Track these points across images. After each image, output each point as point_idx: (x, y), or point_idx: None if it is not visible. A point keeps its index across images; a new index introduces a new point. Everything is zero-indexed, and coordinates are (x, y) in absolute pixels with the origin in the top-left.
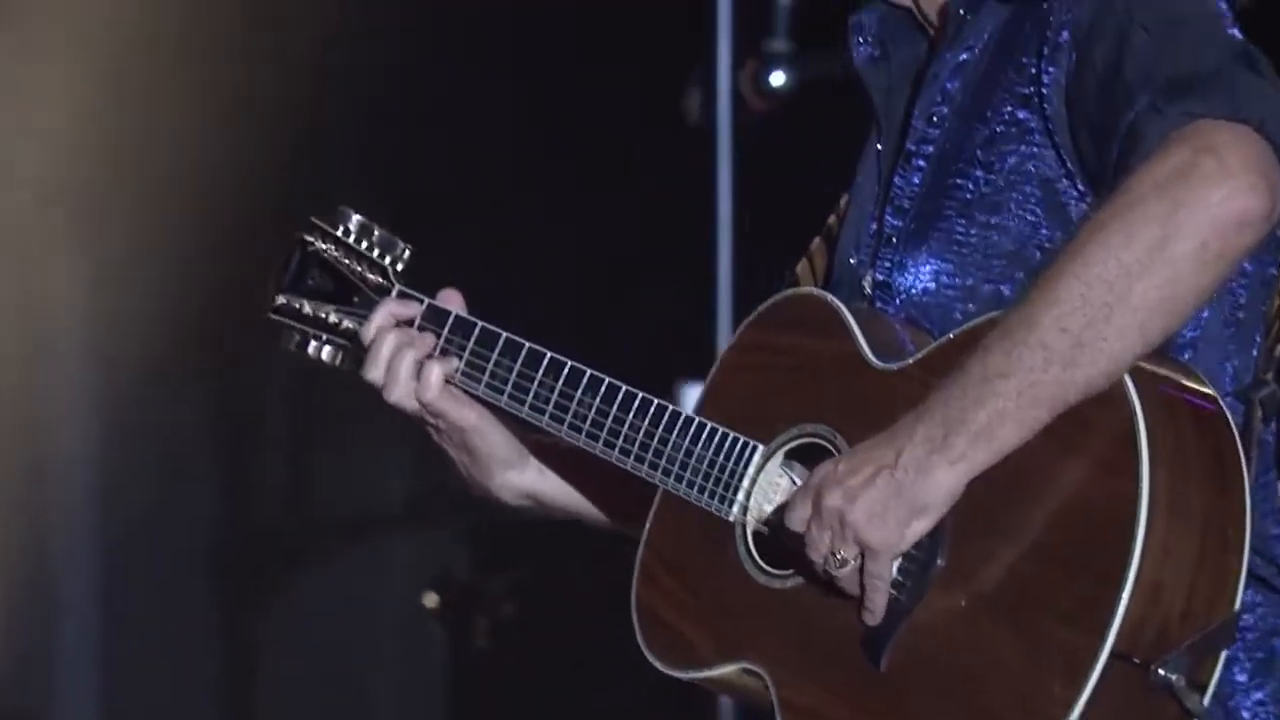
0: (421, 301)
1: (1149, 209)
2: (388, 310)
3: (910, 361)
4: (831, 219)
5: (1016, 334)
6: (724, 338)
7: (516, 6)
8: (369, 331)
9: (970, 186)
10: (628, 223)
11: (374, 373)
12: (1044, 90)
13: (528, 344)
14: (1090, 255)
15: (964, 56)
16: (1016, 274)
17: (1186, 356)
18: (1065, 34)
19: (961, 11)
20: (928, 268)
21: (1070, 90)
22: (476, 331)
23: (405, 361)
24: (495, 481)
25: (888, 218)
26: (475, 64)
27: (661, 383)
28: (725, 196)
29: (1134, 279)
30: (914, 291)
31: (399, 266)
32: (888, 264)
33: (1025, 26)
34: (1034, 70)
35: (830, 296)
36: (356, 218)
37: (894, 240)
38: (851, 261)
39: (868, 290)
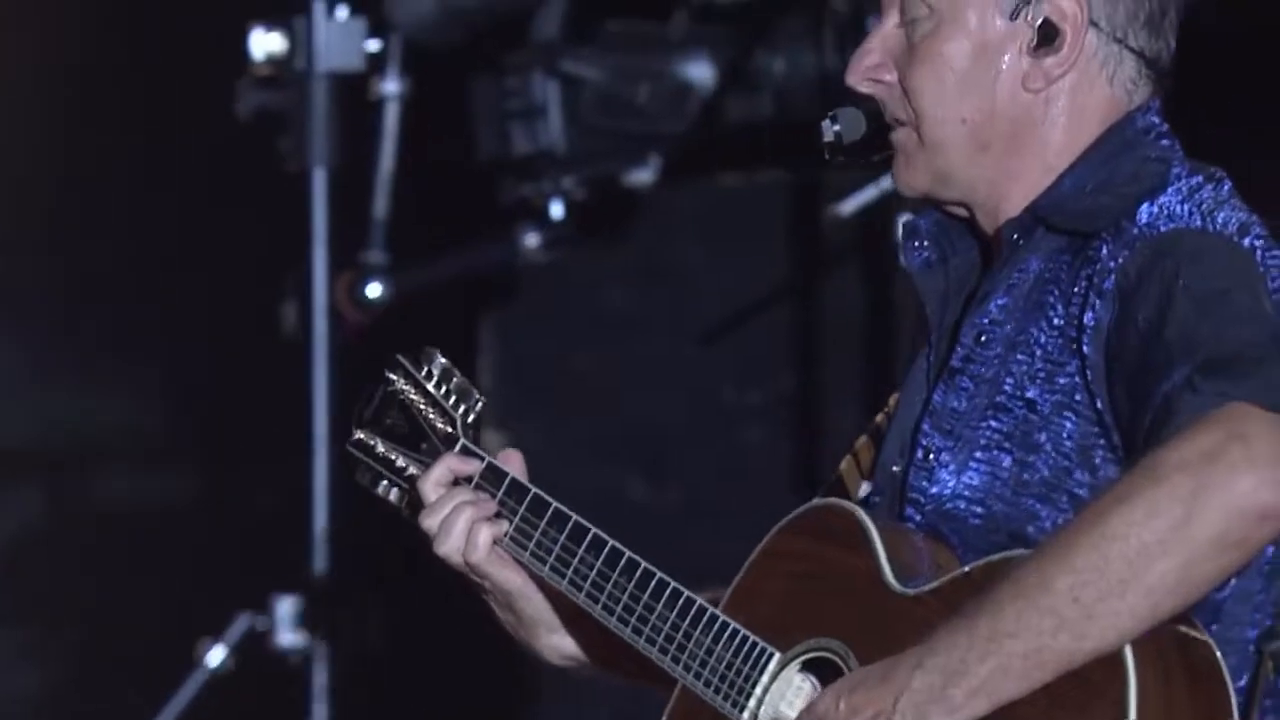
0: (482, 459)
1: (1174, 489)
2: (447, 465)
3: (926, 589)
4: (880, 417)
5: (1029, 594)
6: (319, 542)
7: None
8: (426, 485)
9: (1010, 420)
10: (230, 432)
11: (428, 522)
12: (1085, 335)
13: (574, 517)
14: (1112, 527)
15: (1015, 279)
16: (1043, 513)
17: (1213, 624)
18: (1111, 281)
19: (1015, 237)
20: (961, 486)
21: (1110, 342)
22: (529, 498)
23: (460, 520)
24: (539, 643)
25: (926, 430)
26: None
27: (257, 590)
28: (321, 408)
29: (1153, 559)
30: (944, 502)
31: (470, 418)
32: (924, 479)
33: (1075, 261)
34: (1076, 311)
35: (859, 512)
36: (441, 361)
37: (930, 456)
38: (894, 469)
39: (904, 498)
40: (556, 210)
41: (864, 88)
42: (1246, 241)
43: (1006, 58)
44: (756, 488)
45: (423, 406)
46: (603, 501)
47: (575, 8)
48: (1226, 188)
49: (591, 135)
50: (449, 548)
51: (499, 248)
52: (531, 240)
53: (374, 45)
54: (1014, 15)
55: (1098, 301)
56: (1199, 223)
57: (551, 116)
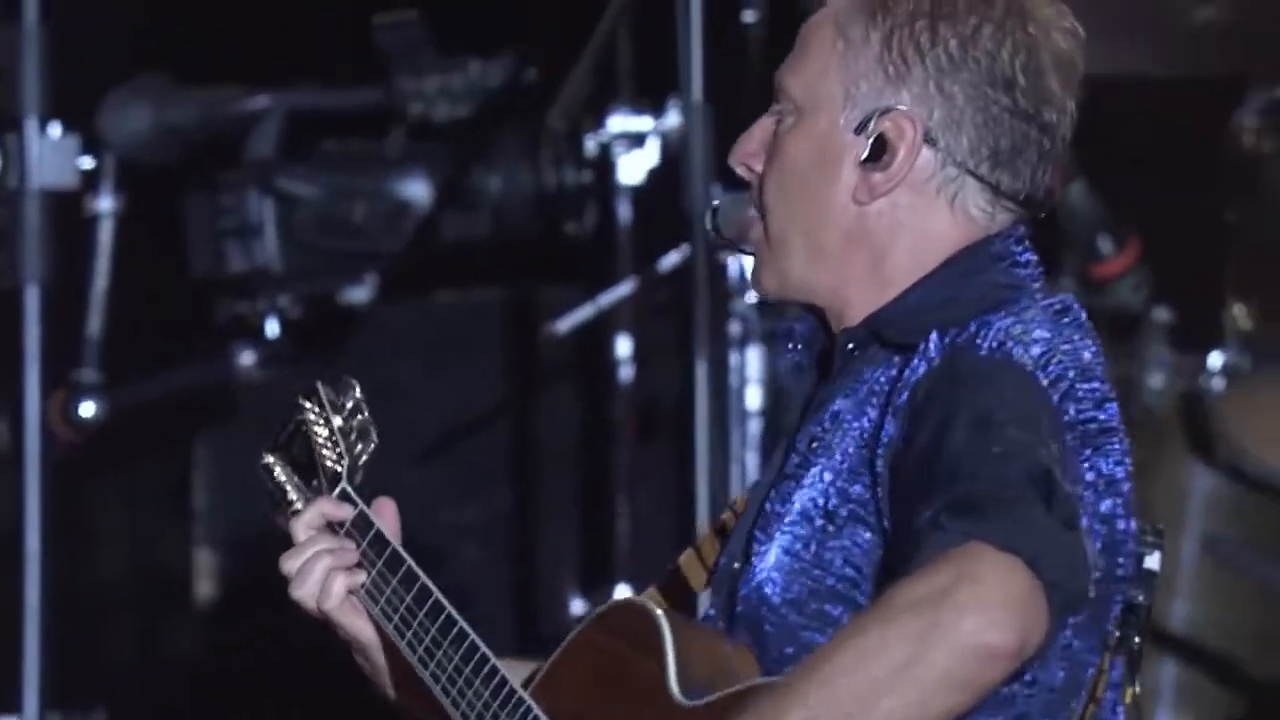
0: (355, 506)
1: (903, 628)
2: (319, 509)
3: (702, 703)
4: (727, 514)
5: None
6: (30, 661)
7: None
8: (297, 526)
9: (809, 528)
10: None
11: (287, 565)
12: (879, 449)
13: (422, 578)
14: (841, 662)
15: (850, 389)
16: (825, 625)
17: None
18: (904, 398)
19: (850, 347)
20: (765, 591)
21: (894, 461)
22: (387, 553)
23: (318, 567)
24: (390, 695)
25: (755, 533)
26: None
27: None
28: (33, 526)
29: (880, 696)
30: (752, 605)
31: (361, 460)
32: (747, 580)
33: (896, 376)
34: (877, 425)
35: (658, 615)
36: (355, 395)
37: (753, 558)
38: (736, 566)
39: (734, 597)
40: (272, 328)
41: (740, 171)
42: (1048, 371)
43: (843, 168)
44: (474, 605)
45: (322, 440)
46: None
47: (290, 126)
48: (1069, 319)
49: (308, 253)
50: (304, 593)
51: (214, 366)
52: (247, 358)
53: (88, 162)
54: (859, 128)
55: (892, 418)
56: (1001, 352)
57: (267, 234)
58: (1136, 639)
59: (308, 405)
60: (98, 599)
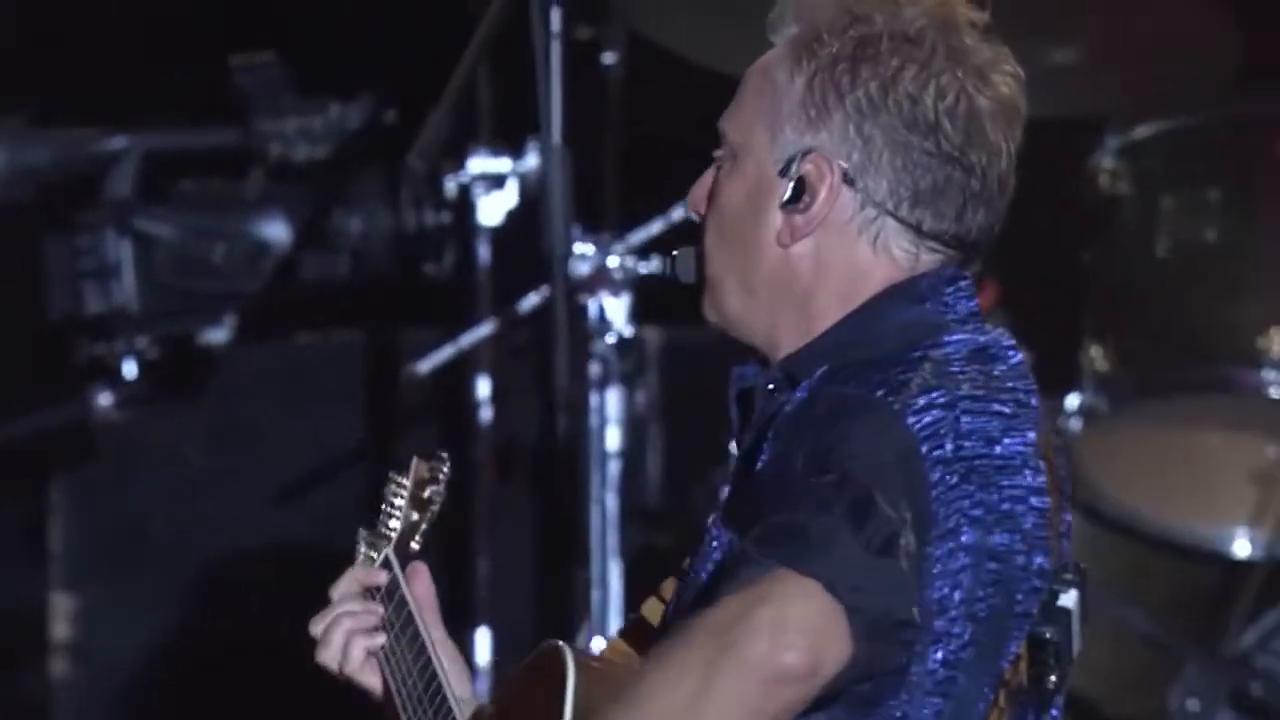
0: (389, 573)
1: (699, 653)
2: (351, 576)
3: None
4: (687, 560)
5: None
6: None
7: None
8: (333, 591)
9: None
10: None
11: (315, 629)
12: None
13: (430, 651)
14: (647, 690)
15: (750, 439)
16: None
17: None
18: (771, 431)
19: (770, 387)
20: None
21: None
22: (403, 619)
23: (338, 632)
24: None
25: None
26: None
27: None
28: None
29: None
30: None
31: (418, 528)
32: None
33: (770, 424)
34: (756, 464)
35: (568, 658)
36: (443, 471)
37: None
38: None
39: None
40: (130, 369)
41: (693, 217)
42: (921, 410)
43: (770, 210)
44: None
45: (390, 510)
46: (182, 660)
47: (148, 166)
48: (988, 357)
49: (166, 294)
50: (326, 656)
51: (71, 408)
52: (104, 400)
53: None
54: (783, 171)
55: (764, 455)
56: (868, 388)
57: (124, 275)
58: (1052, 677)
59: (398, 476)
60: None
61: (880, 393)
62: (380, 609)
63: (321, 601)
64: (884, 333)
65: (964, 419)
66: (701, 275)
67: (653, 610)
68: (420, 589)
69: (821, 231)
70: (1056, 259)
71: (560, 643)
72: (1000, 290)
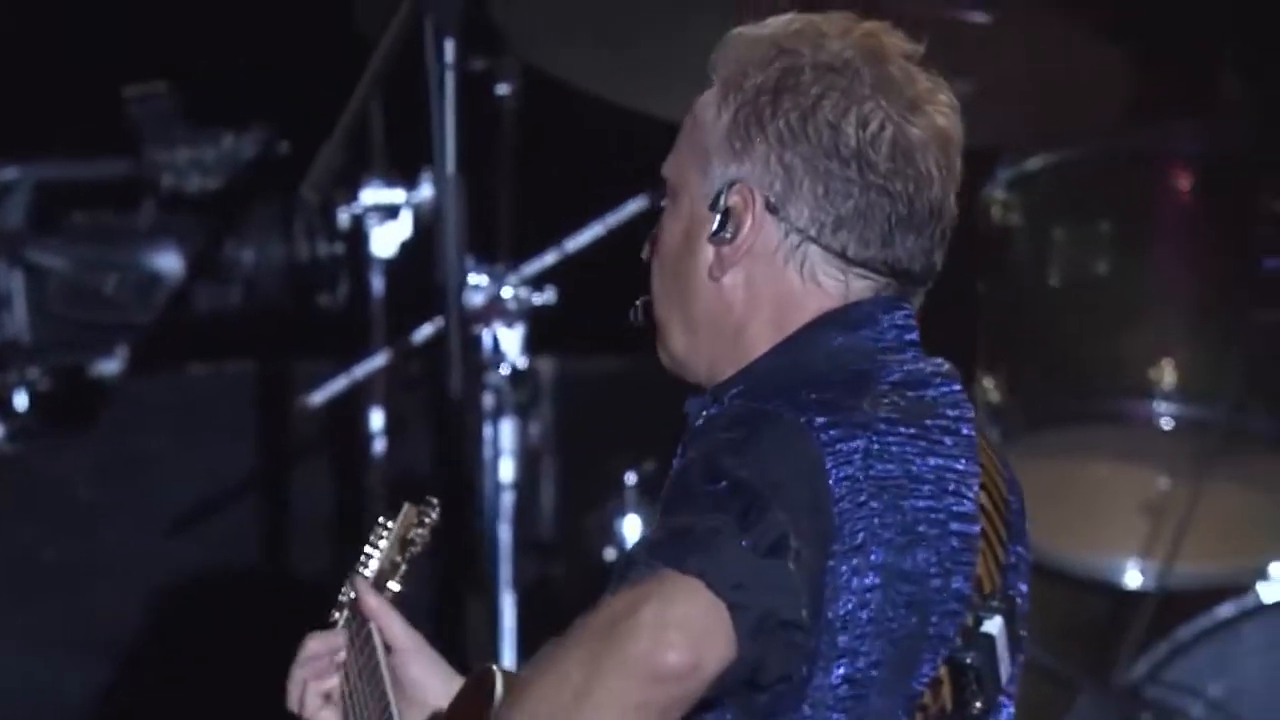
0: (350, 600)
1: (582, 651)
2: (319, 639)
3: None
4: None
5: None
6: None
7: None
8: (303, 648)
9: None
10: None
11: (290, 680)
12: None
13: (386, 691)
14: (536, 691)
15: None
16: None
17: None
18: (681, 448)
19: (703, 413)
20: None
21: None
22: (365, 657)
23: (295, 680)
24: None
25: None
26: None
27: None
28: None
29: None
30: None
31: (398, 569)
32: None
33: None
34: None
35: (493, 669)
36: (431, 516)
37: None
38: None
39: None
40: (21, 401)
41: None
42: (826, 428)
43: (701, 245)
44: (231, 678)
45: (378, 549)
46: (74, 693)
47: (40, 197)
48: (923, 381)
49: (57, 325)
50: (290, 705)
51: None
52: None
53: None
54: (713, 204)
55: (676, 461)
56: (774, 404)
57: (16, 306)
58: (977, 704)
59: (384, 521)
60: None
61: (789, 409)
62: (343, 654)
63: (212, 631)
64: (813, 359)
65: (878, 441)
66: (651, 320)
67: None
68: (394, 628)
69: (749, 261)
70: (948, 289)
71: (493, 665)
72: None
